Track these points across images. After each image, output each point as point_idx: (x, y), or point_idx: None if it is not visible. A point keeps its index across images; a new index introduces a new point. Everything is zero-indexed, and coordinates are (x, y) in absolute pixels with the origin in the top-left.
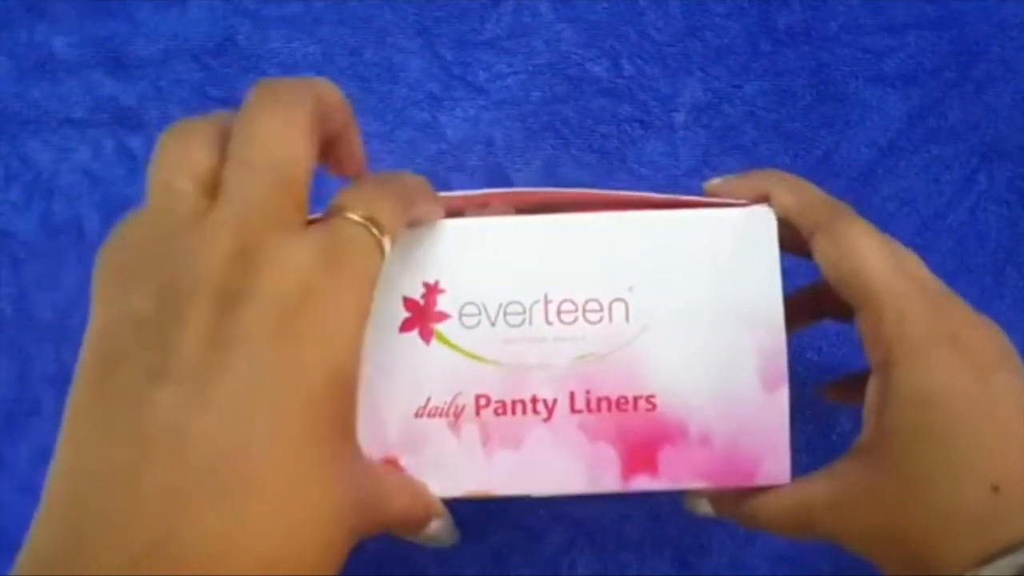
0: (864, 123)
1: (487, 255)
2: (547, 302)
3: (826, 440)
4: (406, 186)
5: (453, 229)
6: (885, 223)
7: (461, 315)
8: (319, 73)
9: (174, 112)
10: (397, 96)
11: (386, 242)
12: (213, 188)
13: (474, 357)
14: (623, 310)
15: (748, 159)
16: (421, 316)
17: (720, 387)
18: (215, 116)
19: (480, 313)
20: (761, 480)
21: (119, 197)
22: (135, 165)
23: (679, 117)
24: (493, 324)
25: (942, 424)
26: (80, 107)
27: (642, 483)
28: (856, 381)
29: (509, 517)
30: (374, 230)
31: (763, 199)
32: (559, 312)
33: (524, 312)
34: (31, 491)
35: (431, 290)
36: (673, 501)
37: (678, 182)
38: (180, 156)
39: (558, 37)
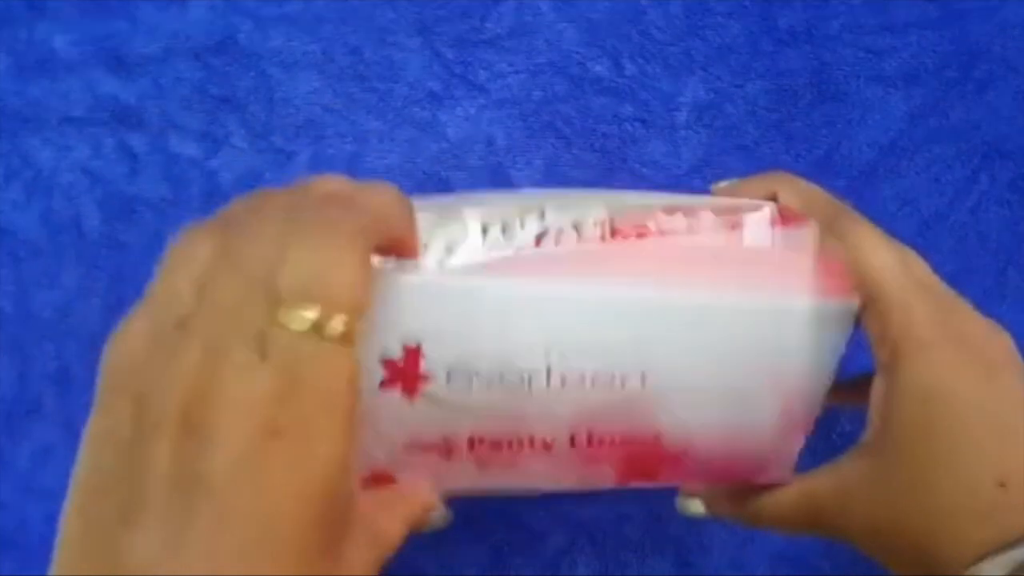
0: (865, 122)
1: (478, 319)
2: (549, 372)
3: (826, 441)
4: (365, 223)
5: (435, 285)
6: (886, 223)
7: (449, 378)
8: (320, 71)
9: (174, 110)
10: (397, 95)
11: (354, 328)
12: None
13: (465, 409)
14: (638, 380)
15: (749, 159)
16: (402, 377)
17: (734, 433)
18: (223, 218)
19: (470, 377)
20: (764, 481)
21: (119, 195)
22: (135, 163)
23: (680, 116)
24: (487, 388)
25: (948, 421)
26: (80, 105)
27: (638, 484)
28: (856, 382)
29: (510, 516)
30: (329, 332)
31: (771, 198)
32: (563, 381)
33: (522, 381)
34: (31, 491)
35: (411, 353)
36: (673, 501)
37: (680, 182)
38: (183, 257)
39: (559, 36)
